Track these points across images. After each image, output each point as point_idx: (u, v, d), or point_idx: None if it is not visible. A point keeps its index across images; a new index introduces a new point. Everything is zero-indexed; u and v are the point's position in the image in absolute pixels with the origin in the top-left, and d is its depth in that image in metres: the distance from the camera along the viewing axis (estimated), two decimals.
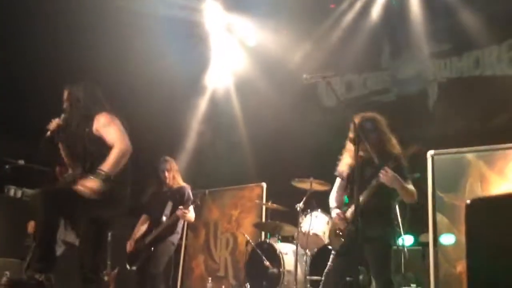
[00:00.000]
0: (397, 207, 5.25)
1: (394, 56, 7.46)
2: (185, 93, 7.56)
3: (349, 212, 3.54)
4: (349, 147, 3.67)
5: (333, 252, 3.67)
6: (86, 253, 3.45)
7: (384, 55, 7.55)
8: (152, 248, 4.52)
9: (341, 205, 3.77)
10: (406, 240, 5.30)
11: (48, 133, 3.49)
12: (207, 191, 5.03)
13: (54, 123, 3.52)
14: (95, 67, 6.45)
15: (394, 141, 3.70)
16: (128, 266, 4.68)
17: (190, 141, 7.54)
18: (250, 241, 5.59)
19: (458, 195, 4.92)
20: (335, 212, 3.64)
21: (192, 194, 4.87)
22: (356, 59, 7.39)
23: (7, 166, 5.14)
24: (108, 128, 3.32)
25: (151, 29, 6.73)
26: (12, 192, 6.15)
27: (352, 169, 3.60)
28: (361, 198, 3.35)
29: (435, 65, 7.09)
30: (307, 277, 4.97)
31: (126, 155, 3.28)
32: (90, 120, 3.36)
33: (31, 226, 5.27)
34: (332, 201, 3.79)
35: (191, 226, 7.16)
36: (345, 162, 3.75)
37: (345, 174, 3.73)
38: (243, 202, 6.91)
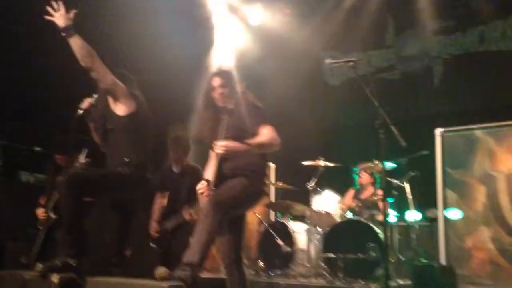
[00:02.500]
0: (406, 184, 5.41)
1: (398, 33, 7.46)
2: (190, 74, 7.52)
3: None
4: (203, 108, 3.35)
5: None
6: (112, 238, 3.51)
7: (389, 32, 7.56)
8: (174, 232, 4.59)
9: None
10: (415, 216, 5.41)
11: (80, 111, 3.48)
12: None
13: (86, 102, 3.50)
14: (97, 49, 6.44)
15: (238, 93, 3.29)
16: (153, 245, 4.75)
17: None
18: (263, 221, 5.68)
19: (467, 171, 5.01)
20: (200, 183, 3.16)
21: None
22: (360, 37, 7.39)
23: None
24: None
25: (152, 9, 6.67)
26: (24, 178, 6.21)
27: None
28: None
29: (439, 41, 7.11)
30: (320, 255, 5.08)
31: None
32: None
33: (40, 212, 5.26)
34: (206, 174, 3.33)
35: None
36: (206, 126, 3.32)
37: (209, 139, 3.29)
38: None
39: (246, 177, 3.12)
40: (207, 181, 3.17)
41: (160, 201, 4.93)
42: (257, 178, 3.22)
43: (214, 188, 3.08)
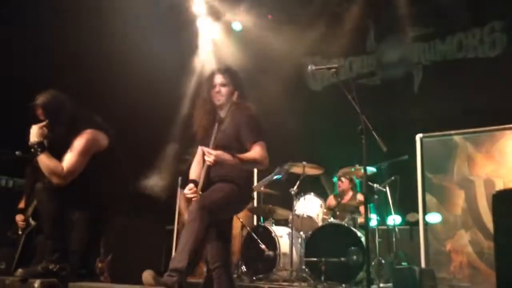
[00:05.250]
0: (387, 189, 5.48)
1: (379, 40, 7.58)
2: (173, 79, 7.53)
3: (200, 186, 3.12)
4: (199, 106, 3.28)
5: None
6: (80, 248, 3.45)
7: (369, 39, 7.67)
8: None
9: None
10: (395, 220, 5.48)
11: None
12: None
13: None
14: (78, 55, 6.39)
15: (238, 100, 3.21)
16: None
17: (179, 127, 7.53)
18: (246, 225, 5.69)
19: (446, 176, 5.10)
20: (188, 187, 3.14)
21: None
22: (341, 43, 7.48)
23: None
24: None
25: (135, 13, 6.64)
26: (3, 182, 6.12)
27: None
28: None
29: (419, 48, 7.25)
30: (303, 259, 5.10)
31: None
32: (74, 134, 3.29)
33: (19, 217, 5.20)
34: (191, 173, 3.30)
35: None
36: (200, 125, 3.27)
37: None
38: None
39: (233, 182, 3.10)
40: (194, 182, 3.14)
41: None
42: (244, 183, 3.19)
43: (201, 192, 3.06)
